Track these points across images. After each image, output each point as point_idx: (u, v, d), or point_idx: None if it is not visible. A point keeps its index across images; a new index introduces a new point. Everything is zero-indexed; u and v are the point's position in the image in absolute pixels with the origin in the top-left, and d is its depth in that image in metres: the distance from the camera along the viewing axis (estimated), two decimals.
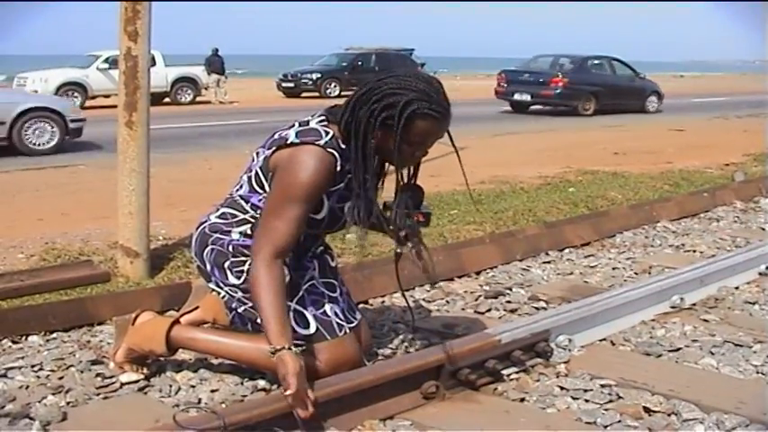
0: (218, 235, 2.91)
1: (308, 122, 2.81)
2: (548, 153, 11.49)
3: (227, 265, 2.91)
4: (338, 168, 2.75)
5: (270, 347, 2.55)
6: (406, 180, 2.92)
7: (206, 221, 2.99)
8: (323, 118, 2.83)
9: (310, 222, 2.84)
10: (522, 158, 10.81)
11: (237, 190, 2.95)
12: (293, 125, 2.82)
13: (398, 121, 2.66)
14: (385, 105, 2.67)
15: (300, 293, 2.90)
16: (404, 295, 3.19)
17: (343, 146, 2.76)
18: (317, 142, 2.71)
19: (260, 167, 2.85)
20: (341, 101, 2.87)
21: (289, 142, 2.74)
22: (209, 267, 2.96)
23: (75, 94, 22.70)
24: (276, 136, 2.81)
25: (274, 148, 2.77)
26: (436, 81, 2.80)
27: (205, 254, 2.96)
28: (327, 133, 2.74)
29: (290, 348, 2.53)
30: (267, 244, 2.67)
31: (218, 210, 2.98)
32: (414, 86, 2.70)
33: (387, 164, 2.92)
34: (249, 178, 2.90)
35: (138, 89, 4.52)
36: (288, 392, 2.43)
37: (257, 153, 2.88)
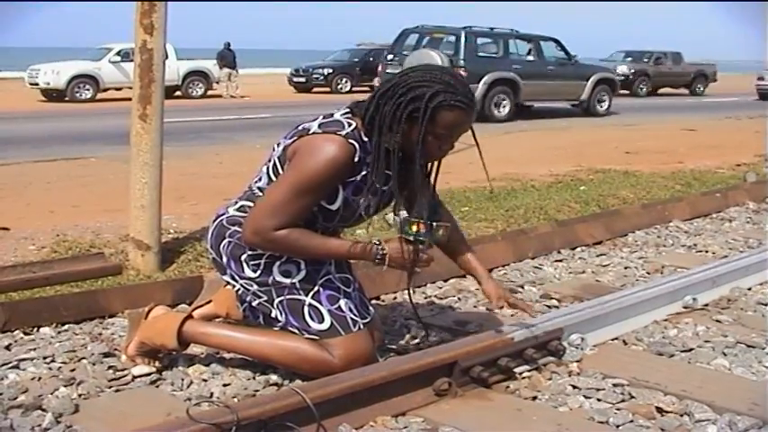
0: (235, 228, 2.91)
1: (332, 115, 2.84)
2: (559, 151, 11.47)
3: (243, 257, 2.91)
4: (356, 159, 2.76)
5: (374, 257, 2.83)
6: (428, 178, 2.95)
7: (224, 214, 2.99)
8: (347, 111, 2.85)
9: (325, 213, 2.85)
10: (534, 156, 10.79)
11: (256, 182, 2.96)
12: (317, 118, 2.84)
13: (424, 113, 2.68)
14: (411, 98, 2.70)
15: (316, 288, 2.90)
16: (413, 305, 3.18)
17: (365, 138, 2.77)
18: (338, 132, 2.72)
19: (278, 157, 2.86)
20: (352, 96, 2.89)
21: (311, 132, 2.75)
22: (225, 260, 2.96)
23: (87, 86, 22.77)
24: (300, 127, 2.83)
25: (295, 138, 2.79)
26: (459, 74, 2.83)
27: (222, 246, 2.96)
28: (350, 125, 2.77)
29: (378, 243, 2.85)
30: (270, 219, 2.75)
31: (236, 202, 2.99)
32: (439, 79, 2.72)
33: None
34: (267, 169, 2.90)
35: (152, 82, 4.51)
36: (423, 261, 2.86)
37: (278, 144, 2.89)
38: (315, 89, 28.11)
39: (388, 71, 16.38)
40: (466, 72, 15.47)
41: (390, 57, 17.45)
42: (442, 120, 2.71)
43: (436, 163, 2.96)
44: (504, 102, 17.29)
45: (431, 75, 2.74)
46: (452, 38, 17.00)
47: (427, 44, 17.23)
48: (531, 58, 18.32)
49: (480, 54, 17.15)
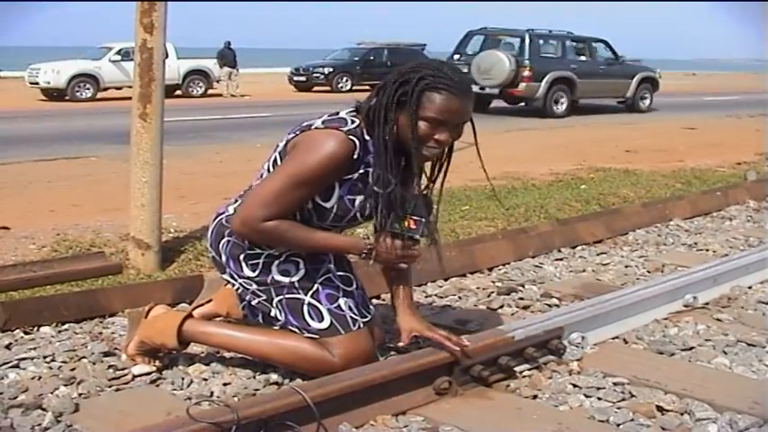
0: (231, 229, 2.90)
1: (337, 113, 2.83)
2: (559, 150, 11.47)
3: (242, 257, 2.90)
4: (355, 157, 2.74)
5: (361, 251, 2.79)
6: (434, 177, 2.93)
7: (224, 212, 2.98)
8: (353, 109, 2.84)
9: (319, 211, 2.83)
10: (534, 155, 10.79)
11: (258, 180, 2.94)
12: (323, 115, 2.83)
13: (412, 95, 2.67)
14: (401, 83, 2.70)
15: (315, 287, 2.89)
16: (392, 298, 3.10)
17: (367, 137, 2.76)
18: (340, 128, 2.72)
19: (279, 152, 2.85)
20: (352, 95, 2.87)
21: (313, 127, 2.75)
22: (224, 259, 2.96)
23: (87, 85, 22.77)
24: (303, 123, 2.82)
25: (297, 132, 2.79)
26: (457, 67, 2.82)
27: (221, 245, 2.95)
28: (353, 122, 2.76)
29: (366, 237, 2.81)
30: (261, 209, 2.72)
31: (236, 201, 2.97)
32: (429, 65, 2.74)
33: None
34: (269, 166, 2.89)
35: (152, 81, 4.51)
36: (410, 257, 2.83)
37: (281, 140, 2.88)
38: (315, 88, 28.09)
39: None
40: (531, 71, 17.83)
41: (456, 57, 18.87)
42: (429, 101, 2.67)
43: (445, 163, 2.93)
44: (562, 99, 18.71)
45: (423, 64, 2.76)
46: (516, 40, 18.74)
47: (491, 45, 18.93)
48: (583, 58, 19.67)
49: (542, 55, 18.66)
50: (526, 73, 17.92)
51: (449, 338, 2.87)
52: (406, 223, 2.79)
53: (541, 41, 18.87)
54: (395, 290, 3.02)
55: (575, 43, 19.91)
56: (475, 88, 16.60)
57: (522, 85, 17.96)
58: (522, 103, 18.94)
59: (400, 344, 2.93)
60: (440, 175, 2.95)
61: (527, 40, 18.30)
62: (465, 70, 16.40)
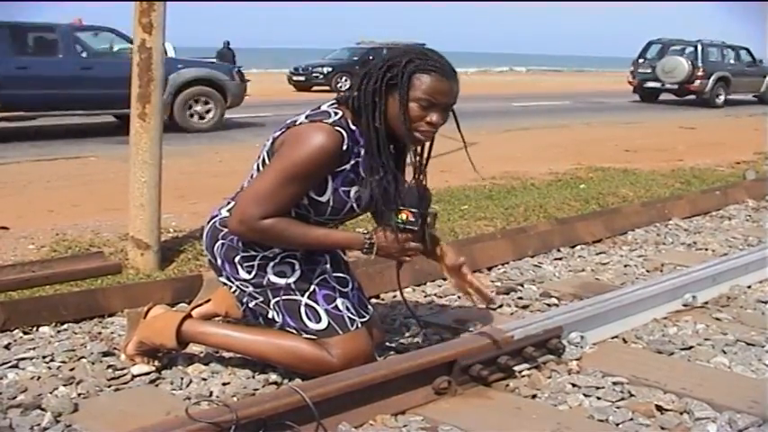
0: (228, 230, 2.90)
1: (319, 107, 2.83)
2: (558, 149, 11.46)
3: (237, 259, 2.90)
4: (344, 148, 2.74)
5: (362, 246, 2.82)
6: (420, 165, 2.94)
7: (217, 215, 2.98)
8: (334, 101, 2.85)
9: (315, 206, 2.83)
10: (533, 154, 10.78)
11: (248, 181, 2.94)
12: (305, 111, 2.83)
13: (402, 77, 2.68)
14: (389, 67, 2.71)
15: (312, 288, 2.89)
16: (403, 298, 3.14)
17: (353, 127, 2.76)
18: (325, 121, 2.71)
19: (267, 151, 2.85)
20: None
21: (298, 123, 2.75)
22: (219, 262, 2.95)
23: None
24: (288, 120, 2.82)
25: (283, 130, 2.79)
26: (439, 52, 2.82)
27: (216, 248, 2.95)
28: (337, 114, 2.75)
29: (366, 231, 2.87)
30: (256, 208, 2.72)
31: (229, 203, 2.97)
32: (414, 50, 2.77)
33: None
34: (258, 165, 2.89)
35: (151, 81, 4.51)
36: (412, 250, 2.85)
37: (268, 139, 2.88)
38: (314, 88, 28.06)
39: (639, 70, 24.21)
40: (704, 71, 23.02)
41: (641, 61, 24.49)
42: (419, 82, 2.69)
43: (427, 147, 2.93)
44: (721, 93, 23.67)
45: (407, 50, 2.78)
46: (690, 48, 23.93)
47: (665, 52, 24.21)
48: (733, 61, 24.72)
49: (709, 59, 23.74)
50: (700, 73, 22.92)
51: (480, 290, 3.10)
52: (405, 216, 2.79)
53: (708, 48, 23.87)
54: (438, 255, 3.11)
55: (728, 49, 24.79)
56: (655, 84, 23.62)
57: (697, 83, 23.00)
58: (693, 96, 23.36)
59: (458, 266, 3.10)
60: (425, 163, 2.96)
61: (699, 48, 23.51)
62: (649, 70, 23.73)
